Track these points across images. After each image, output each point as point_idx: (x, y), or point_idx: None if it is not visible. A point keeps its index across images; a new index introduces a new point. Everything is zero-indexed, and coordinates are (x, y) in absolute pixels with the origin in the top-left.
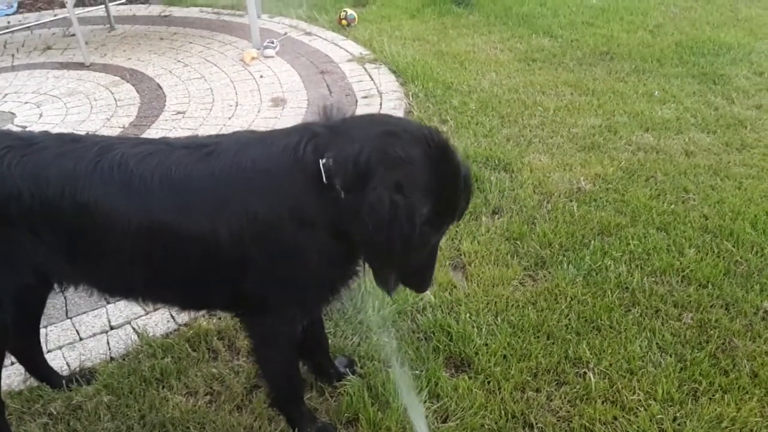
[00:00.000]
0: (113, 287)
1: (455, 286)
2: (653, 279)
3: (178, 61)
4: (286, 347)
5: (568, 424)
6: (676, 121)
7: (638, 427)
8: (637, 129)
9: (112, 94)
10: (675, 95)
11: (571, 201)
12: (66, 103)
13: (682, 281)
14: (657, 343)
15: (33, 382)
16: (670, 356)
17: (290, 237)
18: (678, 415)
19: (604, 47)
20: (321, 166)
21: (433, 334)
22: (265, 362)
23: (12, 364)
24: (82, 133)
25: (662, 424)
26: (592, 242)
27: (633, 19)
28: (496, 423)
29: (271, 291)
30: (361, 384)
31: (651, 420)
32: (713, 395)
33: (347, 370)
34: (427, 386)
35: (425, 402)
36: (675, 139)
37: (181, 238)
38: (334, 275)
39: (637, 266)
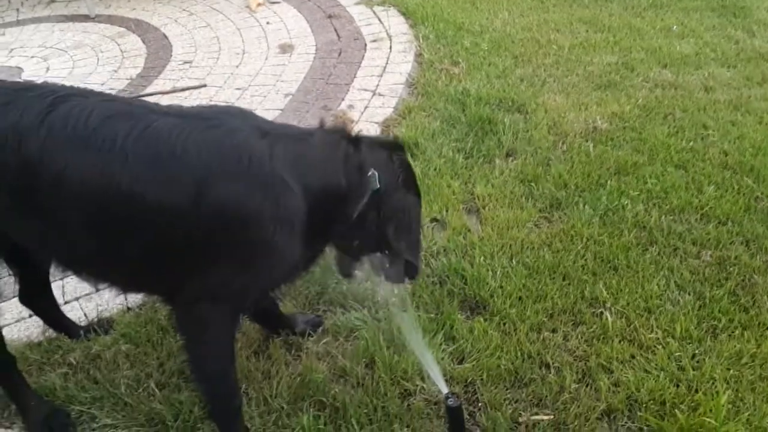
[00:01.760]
0: (58, 255)
1: (469, 230)
2: (671, 217)
3: (183, 9)
4: (225, 346)
5: (585, 363)
6: (695, 56)
7: (656, 364)
8: (654, 65)
9: (118, 45)
10: (694, 29)
11: (587, 141)
12: (72, 56)
13: (701, 219)
14: (675, 282)
15: (51, 333)
16: (689, 294)
17: (276, 239)
18: (697, 352)
19: None
20: (375, 174)
21: (448, 278)
22: (200, 362)
23: (30, 316)
24: (93, 86)
25: (680, 362)
26: (609, 182)
27: None
28: (512, 363)
29: (228, 284)
30: (377, 328)
31: (669, 357)
32: (732, 332)
33: (309, 328)
34: (442, 329)
35: (440, 344)
36: (694, 74)
37: (147, 212)
38: (293, 275)
39: (654, 205)
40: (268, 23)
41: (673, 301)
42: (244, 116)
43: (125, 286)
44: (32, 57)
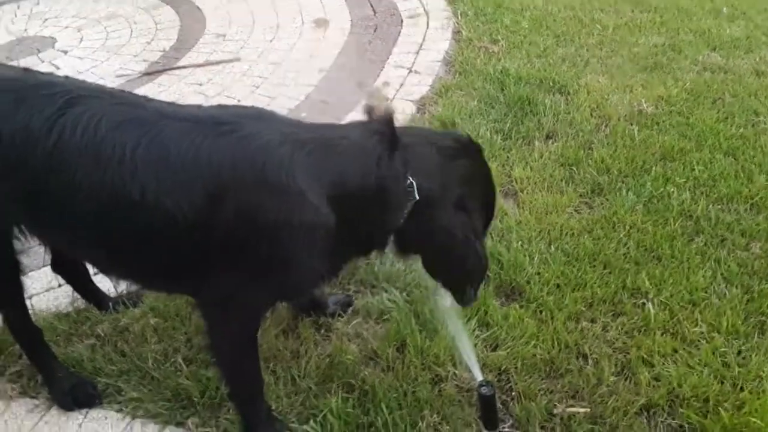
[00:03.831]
0: (75, 254)
1: (506, 214)
2: (719, 207)
3: None
4: (245, 343)
5: (625, 355)
6: (745, 39)
7: (700, 360)
8: (703, 48)
9: (152, 17)
10: (745, 12)
11: (631, 124)
12: (106, 27)
13: (750, 209)
14: (722, 274)
15: (80, 304)
16: (736, 288)
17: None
18: (743, 348)
19: None
20: (413, 183)
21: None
22: (222, 353)
23: (60, 286)
24: (126, 57)
25: (725, 358)
26: (654, 168)
27: None
28: (548, 353)
29: (245, 292)
30: (409, 311)
31: (714, 353)
32: None
33: (339, 308)
34: (476, 314)
35: (474, 330)
36: (744, 58)
37: (160, 222)
38: (316, 282)
39: (702, 193)
40: None
41: (720, 294)
42: (264, 119)
43: (144, 285)
44: (66, 27)
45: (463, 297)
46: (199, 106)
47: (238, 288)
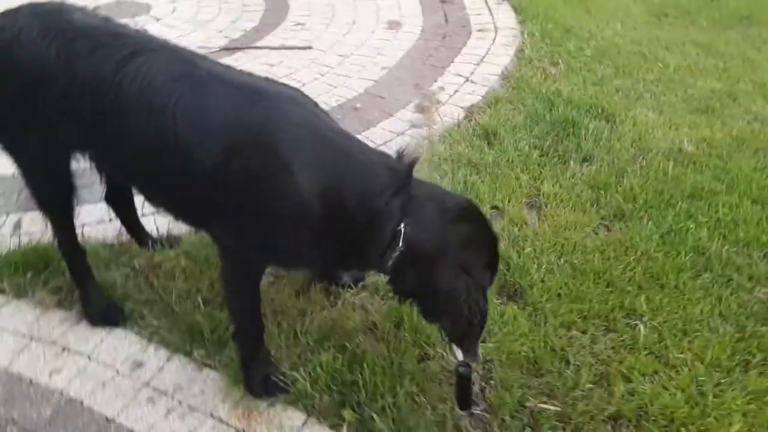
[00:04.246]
0: (127, 181)
1: (526, 223)
2: (734, 249)
3: None
4: (247, 288)
5: (606, 367)
6: None
7: (677, 384)
8: (759, 99)
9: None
10: None
11: (668, 160)
12: (198, 2)
13: (765, 256)
14: (720, 311)
15: (124, 238)
16: (730, 325)
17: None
18: (722, 381)
19: (745, 11)
20: (402, 231)
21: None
22: (228, 289)
23: (110, 221)
24: (211, 32)
25: (703, 387)
26: (680, 203)
27: None
28: (533, 351)
29: (243, 238)
30: None
31: (692, 380)
32: (765, 370)
33: (350, 280)
34: None
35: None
36: None
37: (189, 166)
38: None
39: (720, 234)
40: None
41: (713, 328)
42: (299, 104)
43: (175, 217)
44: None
45: (461, 348)
46: (250, 74)
47: (239, 238)
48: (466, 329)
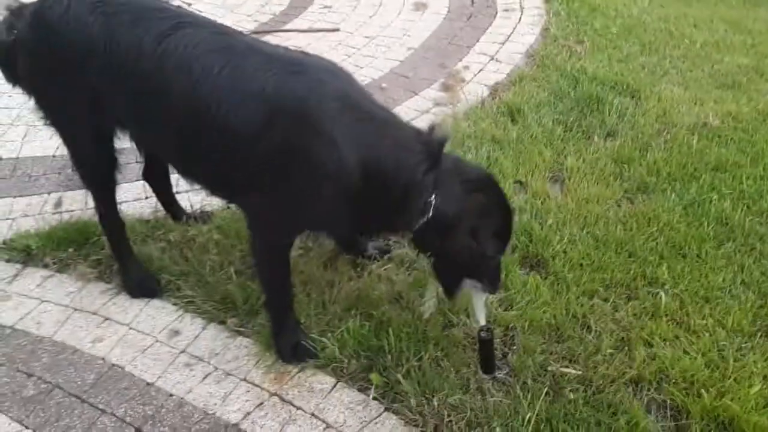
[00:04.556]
0: (160, 153)
1: (549, 196)
2: (758, 219)
3: None
4: (278, 256)
5: (627, 333)
6: None
7: (698, 348)
8: None
9: None
10: None
11: (692, 134)
12: None
13: None
14: (742, 279)
15: (160, 215)
16: (753, 292)
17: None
18: (743, 345)
19: None
20: (432, 202)
21: (515, 234)
22: (258, 260)
23: (146, 198)
24: (241, 16)
25: (724, 351)
26: (703, 176)
27: None
28: (555, 318)
29: (277, 207)
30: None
31: (713, 344)
32: None
33: (377, 254)
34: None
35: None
36: None
37: (227, 133)
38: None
39: (744, 205)
40: None
41: (735, 295)
42: (336, 75)
43: (209, 190)
44: None
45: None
46: (287, 48)
47: (273, 206)
48: (458, 275)
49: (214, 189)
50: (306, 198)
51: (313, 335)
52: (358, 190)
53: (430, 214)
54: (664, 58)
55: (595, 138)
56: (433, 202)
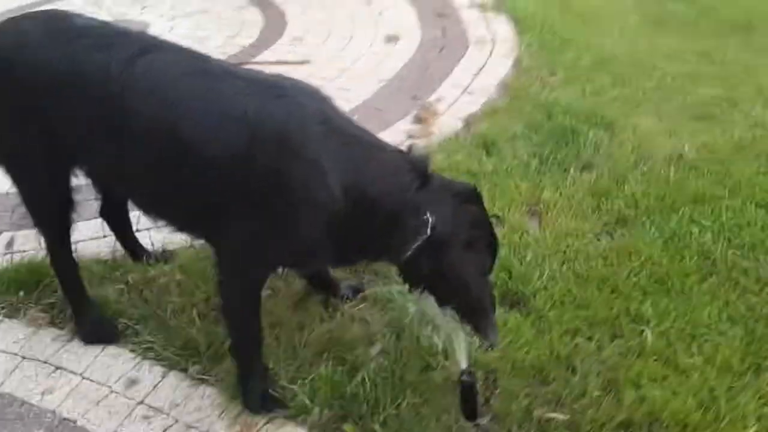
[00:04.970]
0: (120, 187)
1: (527, 231)
2: (740, 253)
3: None
4: (249, 296)
5: (614, 374)
6: None
7: (688, 389)
8: (760, 105)
9: (240, 16)
10: None
11: (669, 166)
12: (197, 20)
13: None
14: (728, 315)
15: (119, 254)
16: (740, 329)
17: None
18: (734, 385)
19: (744, 19)
20: (429, 220)
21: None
22: (227, 302)
23: (104, 236)
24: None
25: (715, 391)
26: (682, 209)
27: None
28: (539, 359)
29: (251, 242)
30: (413, 302)
31: (703, 384)
32: None
33: (349, 293)
34: None
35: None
36: None
37: (200, 162)
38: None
39: (725, 238)
40: (380, 13)
41: (722, 332)
42: (316, 99)
43: (177, 226)
44: (161, 16)
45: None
46: (261, 72)
47: (248, 241)
48: (476, 306)
49: (181, 224)
50: (289, 228)
51: (282, 383)
52: (347, 217)
53: (428, 233)
54: (636, 89)
55: (571, 170)
56: (429, 220)
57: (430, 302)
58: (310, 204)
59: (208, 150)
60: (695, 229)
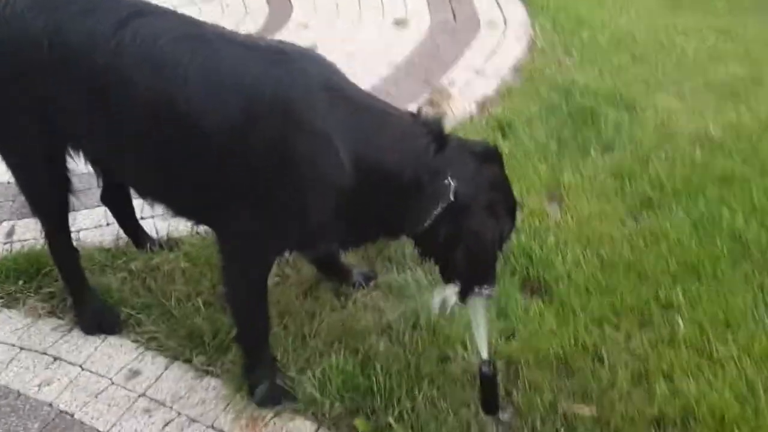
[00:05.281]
0: (117, 166)
1: (547, 215)
2: None
3: None
4: (255, 282)
5: (644, 364)
6: None
7: (724, 380)
8: None
9: (243, 2)
10: None
11: (694, 146)
12: (200, 7)
13: None
14: (764, 300)
15: (123, 242)
16: None
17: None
18: None
19: None
20: (451, 183)
21: (513, 256)
22: (233, 289)
23: (108, 225)
24: None
25: (754, 384)
26: (710, 190)
27: None
28: (563, 350)
29: (256, 224)
30: (429, 290)
31: (740, 376)
32: None
33: (362, 280)
34: (496, 303)
35: (491, 319)
36: None
37: (197, 135)
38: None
39: (758, 220)
40: None
41: (758, 320)
42: (320, 64)
43: (176, 210)
44: (163, 3)
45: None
46: (260, 37)
47: (253, 224)
48: (483, 275)
49: (180, 207)
50: (295, 209)
51: (290, 374)
52: (359, 192)
53: (451, 197)
54: (656, 68)
55: (592, 152)
56: (451, 184)
57: (449, 291)
58: (318, 180)
59: (205, 122)
60: (725, 211)
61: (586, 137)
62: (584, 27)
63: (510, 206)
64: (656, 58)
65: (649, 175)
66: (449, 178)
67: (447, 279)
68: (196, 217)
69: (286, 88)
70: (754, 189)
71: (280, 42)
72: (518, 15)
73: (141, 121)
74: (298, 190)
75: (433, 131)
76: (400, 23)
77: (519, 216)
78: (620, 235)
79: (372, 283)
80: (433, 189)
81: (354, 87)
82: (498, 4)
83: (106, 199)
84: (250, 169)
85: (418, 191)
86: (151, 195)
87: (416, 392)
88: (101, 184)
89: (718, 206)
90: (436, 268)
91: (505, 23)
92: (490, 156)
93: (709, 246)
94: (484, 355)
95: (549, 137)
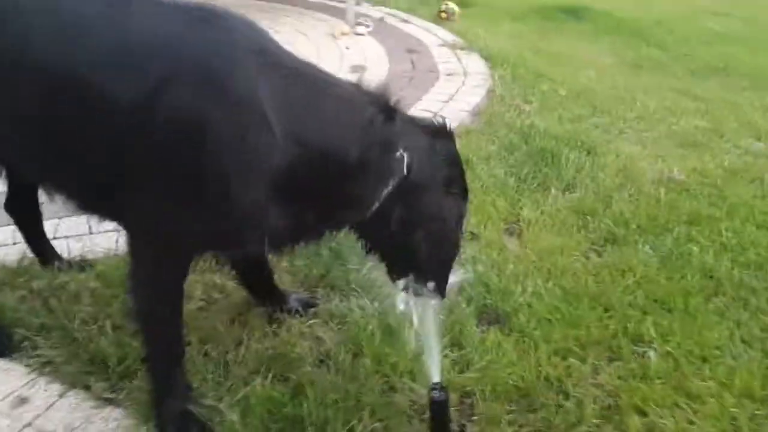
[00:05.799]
0: (14, 151)
1: (506, 247)
2: (746, 272)
3: (270, 28)
4: (172, 286)
5: (614, 400)
6: None
7: (705, 416)
8: (747, 136)
9: None
10: None
11: (658, 187)
12: None
13: None
14: (741, 336)
15: (27, 262)
16: (756, 351)
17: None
18: (758, 413)
19: (720, 63)
20: (404, 157)
21: (469, 285)
22: (142, 298)
23: (14, 244)
24: None
25: (736, 420)
26: (677, 228)
27: (756, 43)
28: (523, 380)
29: (170, 213)
30: (374, 318)
31: (723, 412)
32: None
33: (299, 306)
34: (449, 333)
35: (444, 348)
36: None
37: (100, 103)
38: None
39: (728, 257)
40: (347, 48)
41: (736, 355)
42: (251, 28)
43: (78, 201)
44: None
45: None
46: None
47: (167, 213)
48: (444, 261)
49: (85, 197)
50: (217, 194)
51: (208, 402)
52: (295, 173)
53: (404, 172)
54: (617, 119)
55: (553, 190)
56: (404, 157)
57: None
58: (245, 161)
59: (109, 91)
60: (695, 248)
61: (546, 175)
62: (544, 80)
63: (465, 186)
64: (617, 110)
65: (612, 212)
66: (401, 150)
67: (398, 274)
68: (102, 211)
69: (206, 50)
70: (722, 229)
71: (206, 2)
72: (478, 67)
73: (35, 89)
74: (219, 174)
75: (379, 101)
76: (357, 69)
77: (476, 246)
78: (583, 268)
79: (311, 311)
80: (382, 164)
81: (289, 53)
82: (458, 59)
83: (10, 206)
84: (162, 147)
85: (365, 168)
86: (48, 180)
87: (355, 423)
88: (5, 186)
89: (686, 244)
90: (383, 267)
91: (465, 74)
92: (443, 131)
93: (679, 281)
94: (436, 378)
95: (507, 175)
